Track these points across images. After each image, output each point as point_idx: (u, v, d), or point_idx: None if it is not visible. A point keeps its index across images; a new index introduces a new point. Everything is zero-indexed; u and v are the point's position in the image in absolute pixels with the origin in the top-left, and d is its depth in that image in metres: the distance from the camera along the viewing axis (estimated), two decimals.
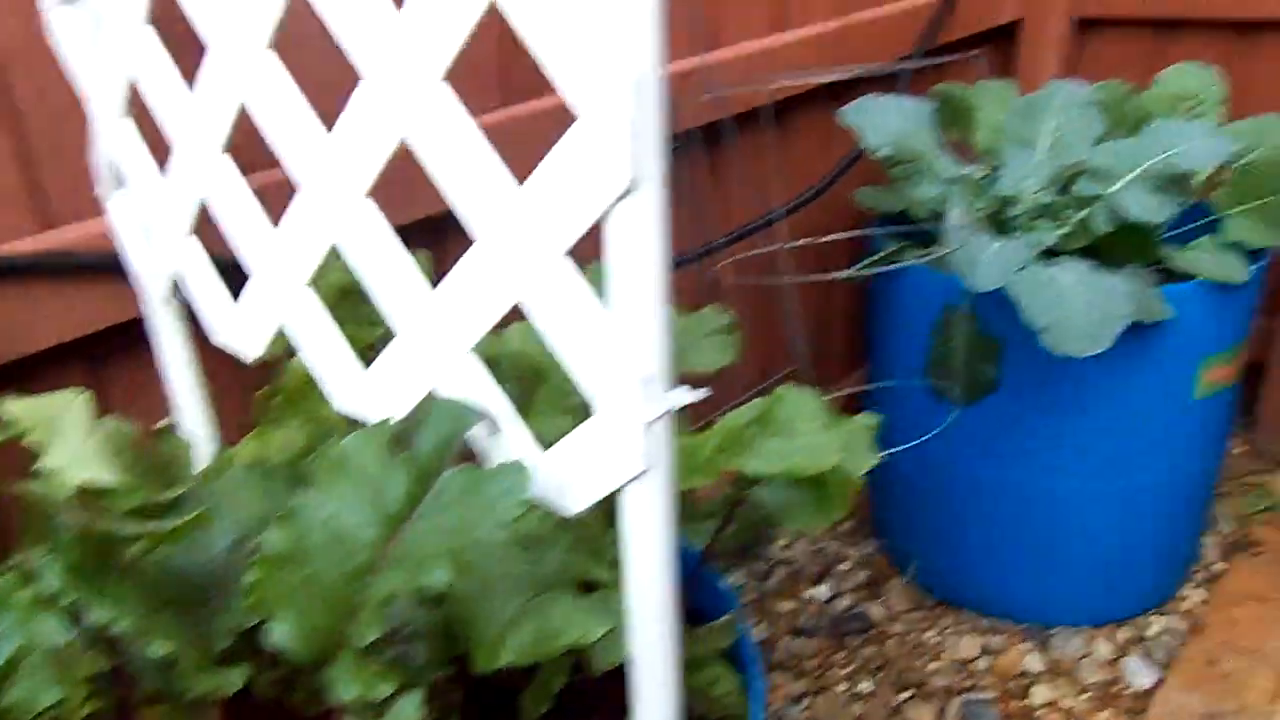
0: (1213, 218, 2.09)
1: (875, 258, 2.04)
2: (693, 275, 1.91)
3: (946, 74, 2.66)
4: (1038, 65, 2.73)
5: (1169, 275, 2.05)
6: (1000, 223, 1.97)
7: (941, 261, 1.86)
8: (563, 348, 0.83)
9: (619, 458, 0.82)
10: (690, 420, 1.29)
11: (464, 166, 0.84)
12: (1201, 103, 2.19)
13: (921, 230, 2.01)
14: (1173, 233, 2.18)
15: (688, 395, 0.81)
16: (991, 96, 2.36)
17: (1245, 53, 2.59)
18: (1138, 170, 1.82)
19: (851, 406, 2.54)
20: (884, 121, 1.83)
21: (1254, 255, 2.07)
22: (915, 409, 2.10)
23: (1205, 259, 1.98)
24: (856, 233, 2.03)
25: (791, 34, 2.05)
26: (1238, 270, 1.95)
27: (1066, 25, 2.68)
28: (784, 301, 1.99)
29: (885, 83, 2.25)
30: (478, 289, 0.87)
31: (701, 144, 1.92)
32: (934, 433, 1.84)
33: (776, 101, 2.07)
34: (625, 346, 0.78)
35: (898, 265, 1.90)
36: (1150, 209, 1.79)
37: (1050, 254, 1.94)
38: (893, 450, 2.07)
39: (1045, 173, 1.91)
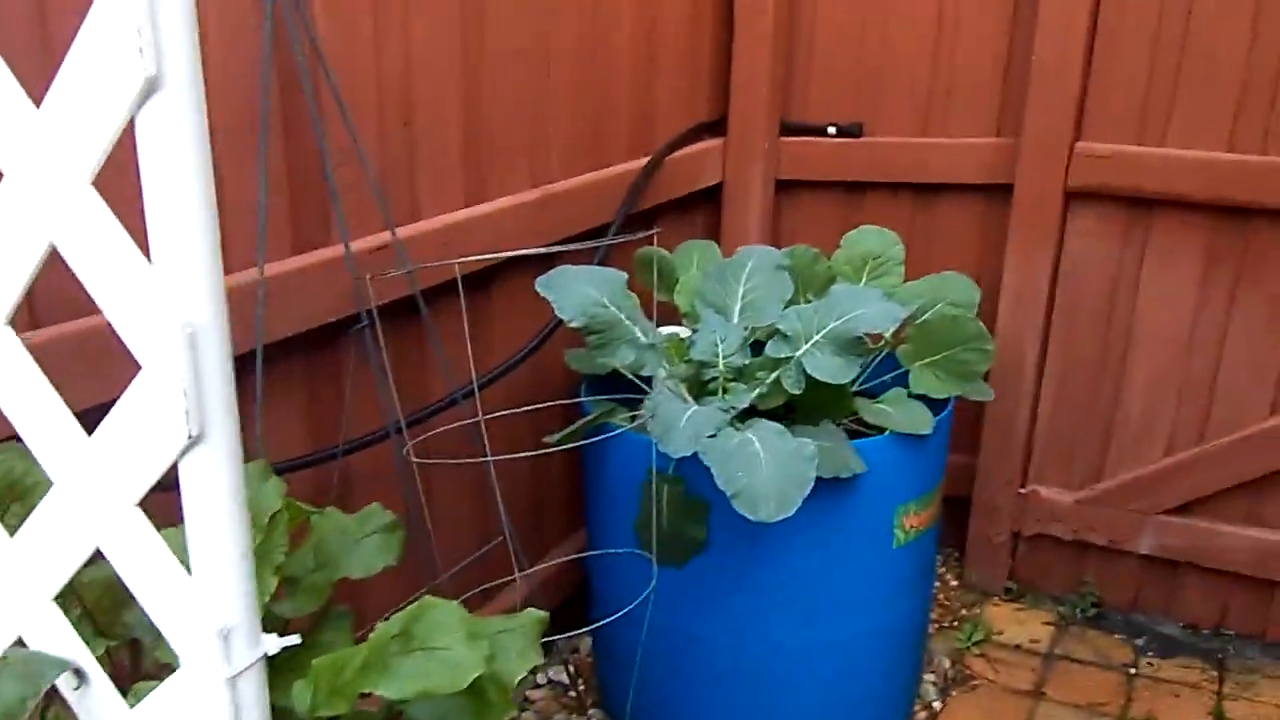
0: (901, 370, 2.24)
1: (581, 422, 2.06)
2: (387, 454, 1.86)
3: (666, 234, 2.77)
4: (742, 224, 2.89)
5: (866, 428, 2.17)
6: (700, 385, 2.03)
7: (644, 426, 1.89)
8: (142, 598, 0.77)
9: (204, 715, 0.75)
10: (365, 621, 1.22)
11: (36, 415, 0.77)
12: (884, 262, 2.37)
13: (637, 390, 2.05)
14: (869, 384, 2.31)
15: (276, 643, 0.75)
16: (696, 258, 2.47)
17: (925, 211, 2.83)
18: (820, 333, 1.92)
19: (570, 571, 2.52)
20: (575, 292, 1.87)
21: (940, 404, 2.22)
22: (632, 570, 2.10)
23: (893, 413, 2.10)
24: (558, 402, 2.05)
25: (491, 205, 2.07)
26: (923, 422, 2.07)
27: (764, 188, 2.86)
28: (488, 473, 1.96)
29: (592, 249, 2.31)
30: (55, 538, 0.80)
31: (396, 318, 1.90)
32: (640, 599, 1.83)
33: (481, 270, 2.08)
34: (202, 599, 0.73)
35: (602, 433, 1.91)
36: (834, 370, 1.88)
37: (752, 413, 2.01)
38: (595, 624, 2.05)
39: (739, 336, 1.99)
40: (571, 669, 2.47)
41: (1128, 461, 2.68)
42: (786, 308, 2.05)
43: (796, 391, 1.91)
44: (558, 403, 2.18)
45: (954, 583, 2.92)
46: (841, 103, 2.83)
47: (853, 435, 2.17)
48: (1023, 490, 2.78)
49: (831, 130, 2.84)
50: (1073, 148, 2.52)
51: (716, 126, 2.87)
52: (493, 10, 1.99)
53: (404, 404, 1.97)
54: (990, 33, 2.64)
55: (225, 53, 1.51)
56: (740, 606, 2.08)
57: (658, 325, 2.33)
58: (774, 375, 1.93)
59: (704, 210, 2.96)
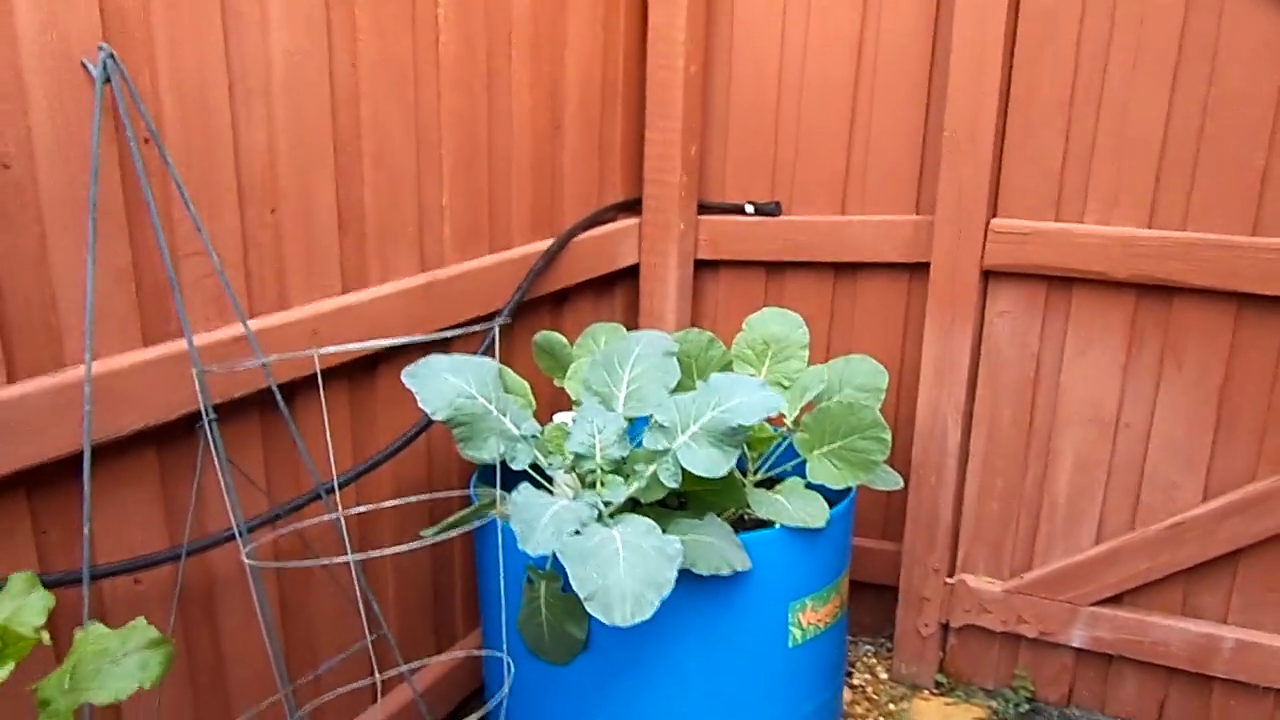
0: (801, 459, 2.19)
1: (460, 514, 2.01)
2: (233, 555, 1.81)
3: (583, 314, 2.75)
4: (660, 305, 2.87)
5: (759, 520, 2.12)
6: (580, 477, 1.99)
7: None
8: None
9: None
10: None
11: None
12: (787, 346, 2.33)
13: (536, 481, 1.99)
14: (774, 470, 2.27)
15: None
16: (604, 340, 2.44)
17: (847, 289, 2.81)
18: (697, 424, 1.88)
19: (473, 667, 2.46)
20: (440, 385, 1.83)
21: (841, 494, 2.17)
22: (521, 668, 2.04)
23: (785, 505, 2.05)
24: (435, 495, 2.01)
25: (370, 292, 2.04)
26: (816, 515, 2.02)
27: (681, 267, 2.84)
28: (356, 572, 1.92)
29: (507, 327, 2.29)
30: None
31: (266, 410, 1.86)
32: (495, 700, 1.77)
33: (362, 360, 2.06)
34: None
35: (464, 526, 1.86)
36: (709, 463, 1.84)
37: (636, 506, 1.97)
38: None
39: (617, 426, 1.95)
40: None
41: (1057, 549, 2.62)
42: (671, 395, 2.02)
43: (674, 485, 1.86)
44: (435, 495, 2.14)
45: (883, 674, 2.84)
46: (759, 182, 2.82)
47: (751, 527, 2.12)
48: (950, 580, 2.72)
49: (749, 209, 2.83)
50: (988, 224, 2.50)
51: (633, 205, 2.86)
52: (368, 86, 1.98)
53: (276, 497, 1.93)
54: (905, 109, 2.64)
55: (59, 141, 1.50)
56: (629, 710, 2.01)
57: (560, 412, 2.30)
58: (652, 469, 1.89)
59: (623, 290, 2.94)
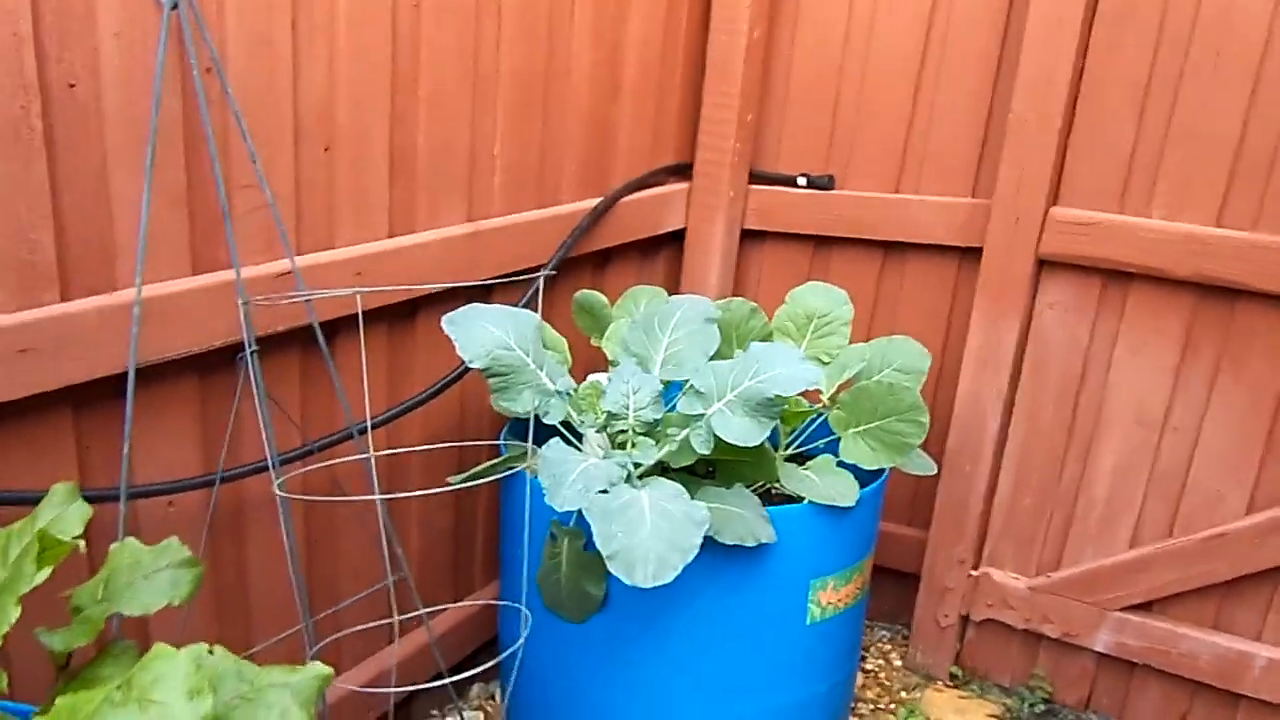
0: (834, 436, 2.23)
1: (487, 464, 2.07)
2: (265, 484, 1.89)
3: (625, 277, 2.80)
4: (703, 272, 2.91)
5: (786, 495, 2.17)
6: (611, 437, 2.04)
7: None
8: None
9: None
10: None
11: None
12: (830, 322, 2.37)
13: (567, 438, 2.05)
14: (807, 447, 2.31)
15: None
16: (644, 303, 2.49)
17: (895, 269, 2.84)
18: (733, 392, 1.92)
19: (489, 615, 2.54)
20: (480, 333, 1.89)
21: (872, 475, 2.21)
22: (537, 622, 2.10)
23: (815, 482, 2.10)
24: (469, 443, 2.06)
25: (416, 237, 2.10)
26: (846, 494, 2.07)
27: (727, 236, 2.88)
28: (382, 512, 1.98)
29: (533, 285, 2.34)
30: None
31: (309, 345, 1.93)
32: (509, 650, 1.83)
33: (404, 302, 2.11)
34: None
35: (496, 475, 1.92)
36: (742, 431, 1.88)
37: (664, 470, 2.02)
38: (467, 674, 2.06)
39: (653, 388, 2.00)
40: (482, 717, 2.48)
41: (1089, 550, 2.65)
42: (710, 363, 2.06)
43: (705, 451, 1.91)
44: (465, 444, 2.20)
45: (898, 662, 2.89)
46: (814, 154, 2.85)
47: (778, 501, 2.17)
48: (974, 572, 2.75)
49: (802, 181, 2.85)
50: (1047, 212, 2.51)
51: (684, 170, 2.89)
52: (430, 31, 2.03)
53: (309, 434, 2.00)
54: (972, 87, 2.65)
55: (124, 65, 1.55)
56: (642, 673, 2.07)
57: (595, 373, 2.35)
58: (684, 433, 1.94)
59: (668, 255, 2.98)
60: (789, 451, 2.34)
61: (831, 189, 2.84)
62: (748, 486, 2.22)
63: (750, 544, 1.90)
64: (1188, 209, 2.41)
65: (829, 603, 2.12)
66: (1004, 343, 2.60)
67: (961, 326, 2.73)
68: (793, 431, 2.35)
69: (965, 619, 2.80)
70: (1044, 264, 2.57)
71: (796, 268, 2.94)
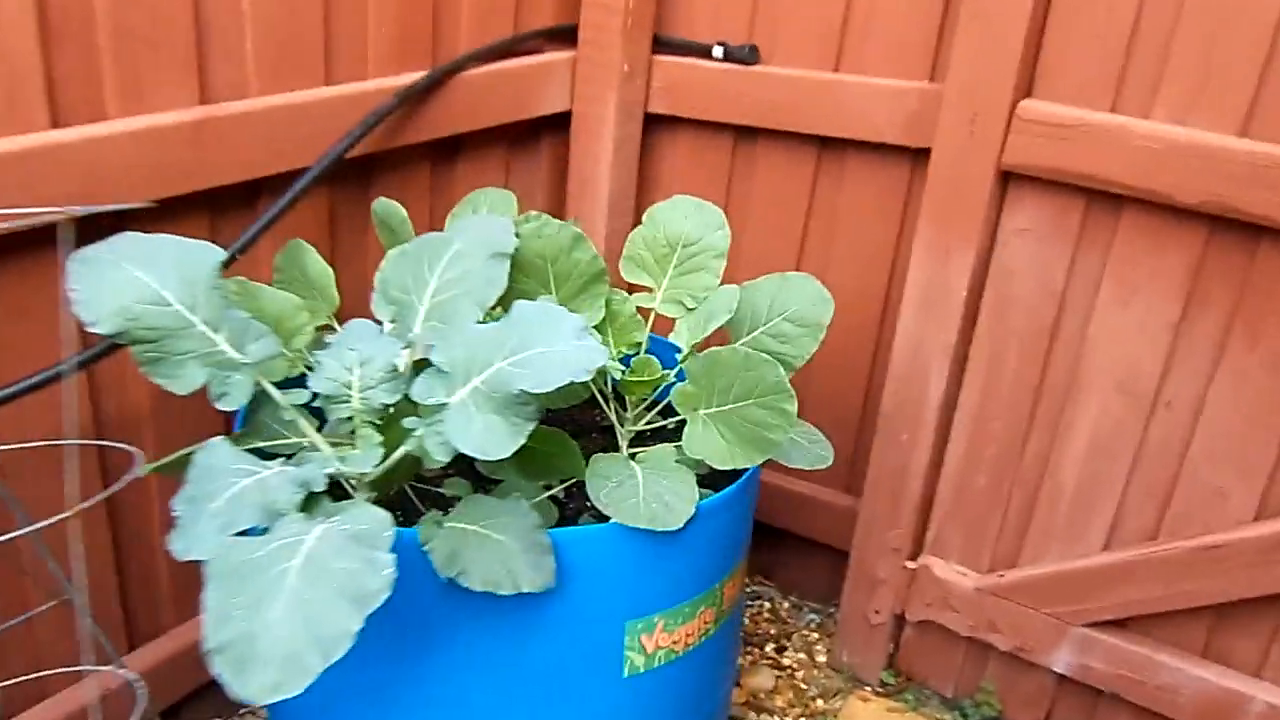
0: (676, 419, 1.70)
1: (178, 455, 1.58)
2: None
3: (487, 174, 2.25)
4: (593, 168, 2.34)
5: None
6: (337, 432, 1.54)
7: None
8: None
9: None
10: None
11: None
12: (698, 254, 1.81)
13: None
14: (665, 421, 1.78)
15: None
16: (483, 212, 1.95)
17: (833, 171, 2.24)
18: (482, 376, 1.39)
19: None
20: (116, 279, 1.36)
21: (729, 476, 1.68)
22: None
23: (634, 487, 1.57)
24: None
25: (104, 126, 1.57)
26: (673, 510, 1.55)
27: (624, 122, 2.30)
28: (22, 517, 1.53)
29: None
30: None
31: None
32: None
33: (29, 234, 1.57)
34: None
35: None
36: (484, 440, 1.34)
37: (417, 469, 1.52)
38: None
39: (389, 358, 1.48)
40: None
41: (1054, 548, 2.10)
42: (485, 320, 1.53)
43: (443, 459, 1.39)
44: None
45: (822, 658, 2.40)
46: (734, 18, 2.23)
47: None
48: (911, 563, 2.23)
49: (718, 52, 2.24)
50: (1015, 107, 1.89)
51: (568, 34, 2.29)
52: None
53: None
54: None
55: None
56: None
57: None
58: (419, 432, 1.41)
59: (551, 146, 2.41)
60: (641, 426, 1.82)
61: (755, 63, 2.23)
62: (562, 483, 1.72)
63: (506, 591, 1.40)
64: (1203, 110, 1.78)
65: (659, 647, 1.63)
66: (955, 278, 2.01)
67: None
68: (642, 401, 1.81)
69: (900, 617, 2.29)
70: (1009, 177, 1.96)
71: (716, 164, 2.36)
